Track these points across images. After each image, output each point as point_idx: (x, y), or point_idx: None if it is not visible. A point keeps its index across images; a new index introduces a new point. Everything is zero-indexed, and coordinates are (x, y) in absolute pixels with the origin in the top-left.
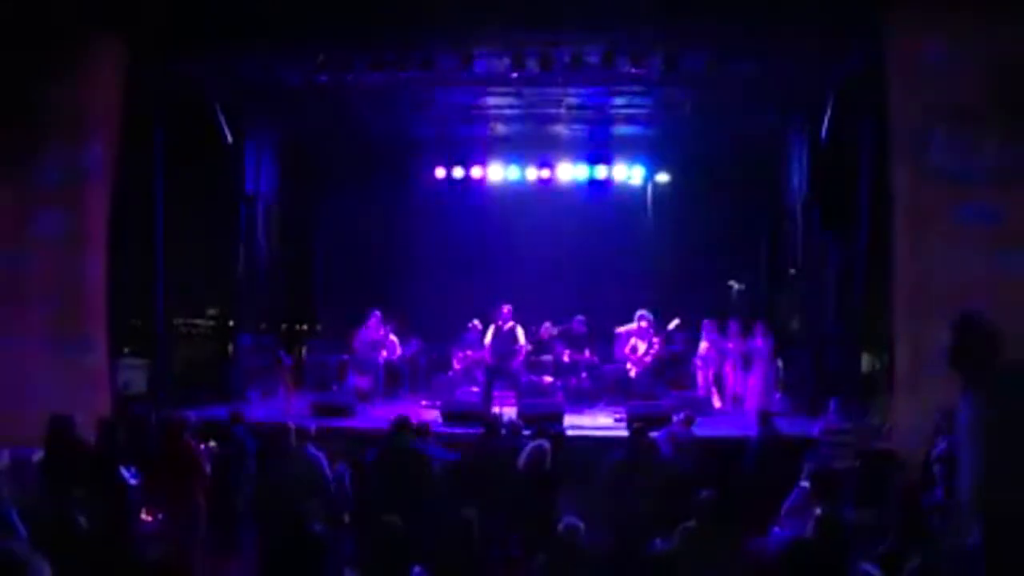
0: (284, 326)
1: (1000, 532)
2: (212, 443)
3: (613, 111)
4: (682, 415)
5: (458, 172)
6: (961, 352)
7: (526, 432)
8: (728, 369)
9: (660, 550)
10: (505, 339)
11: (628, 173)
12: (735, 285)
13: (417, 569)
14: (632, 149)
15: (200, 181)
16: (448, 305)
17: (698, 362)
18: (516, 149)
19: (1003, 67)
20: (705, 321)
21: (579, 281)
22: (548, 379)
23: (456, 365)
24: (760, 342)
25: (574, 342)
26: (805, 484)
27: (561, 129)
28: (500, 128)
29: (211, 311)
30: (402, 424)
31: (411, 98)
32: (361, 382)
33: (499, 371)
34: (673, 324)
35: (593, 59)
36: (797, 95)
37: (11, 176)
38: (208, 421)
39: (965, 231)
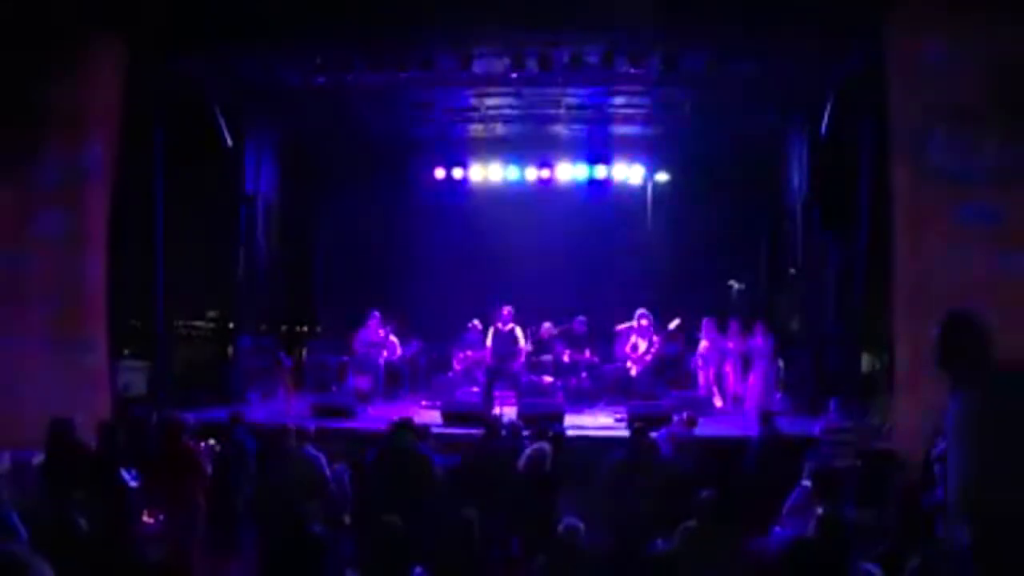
0: (284, 327)
1: (989, 533)
2: (211, 441)
3: (612, 111)
4: (684, 415)
5: (458, 172)
6: (948, 351)
7: (526, 433)
8: (728, 369)
9: (660, 550)
10: (505, 340)
11: (628, 173)
12: (735, 285)
13: (418, 570)
14: (632, 149)
15: (200, 181)
16: (448, 305)
17: (698, 361)
18: (516, 149)
19: (1003, 67)
20: (705, 320)
21: (579, 281)
22: (548, 379)
23: (456, 365)
24: (760, 341)
25: (574, 342)
26: (806, 483)
27: (561, 129)
28: (500, 128)
29: (211, 312)
30: (403, 424)
31: (411, 98)
32: (361, 383)
33: (499, 371)
34: (673, 324)
35: (593, 59)
36: (797, 95)
37: (11, 176)
38: (208, 423)
39: (965, 231)
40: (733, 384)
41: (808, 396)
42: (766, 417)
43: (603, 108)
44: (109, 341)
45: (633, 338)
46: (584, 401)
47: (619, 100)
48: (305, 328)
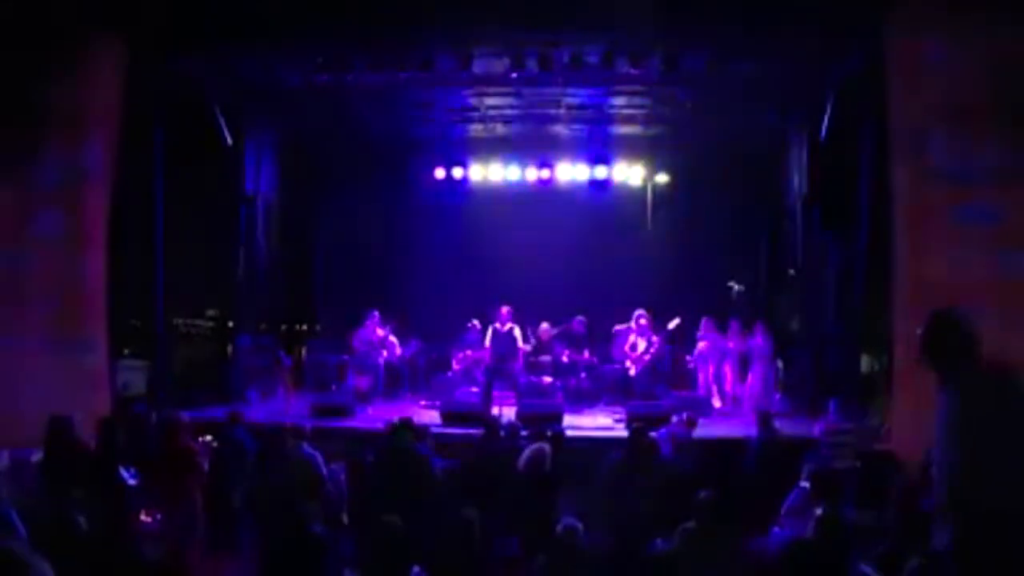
0: (284, 326)
1: (973, 529)
2: (209, 437)
3: (613, 111)
4: (684, 416)
5: (458, 172)
6: (934, 350)
7: (524, 433)
8: (728, 369)
9: (660, 550)
10: (504, 340)
11: (628, 173)
12: (735, 286)
13: (417, 569)
14: (632, 149)
15: (200, 181)
16: (448, 305)
17: (697, 360)
18: (516, 149)
19: (1003, 67)
20: (704, 320)
21: (579, 281)
22: (547, 380)
23: (456, 365)
24: (760, 341)
25: (574, 342)
26: (805, 484)
27: (561, 129)
28: (500, 128)
29: (211, 312)
30: (403, 424)
31: (411, 98)
32: (361, 382)
33: (498, 371)
34: (673, 324)
35: (593, 59)
36: (797, 95)
37: (11, 176)
38: (207, 421)
39: (965, 231)
40: (732, 384)
41: (808, 397)
42: (765, 418)
43: (603, 108)
44: (109, 340)
45: (632, 338)
46: (583, 401)
47: (619, 100)
48: (305, 327)
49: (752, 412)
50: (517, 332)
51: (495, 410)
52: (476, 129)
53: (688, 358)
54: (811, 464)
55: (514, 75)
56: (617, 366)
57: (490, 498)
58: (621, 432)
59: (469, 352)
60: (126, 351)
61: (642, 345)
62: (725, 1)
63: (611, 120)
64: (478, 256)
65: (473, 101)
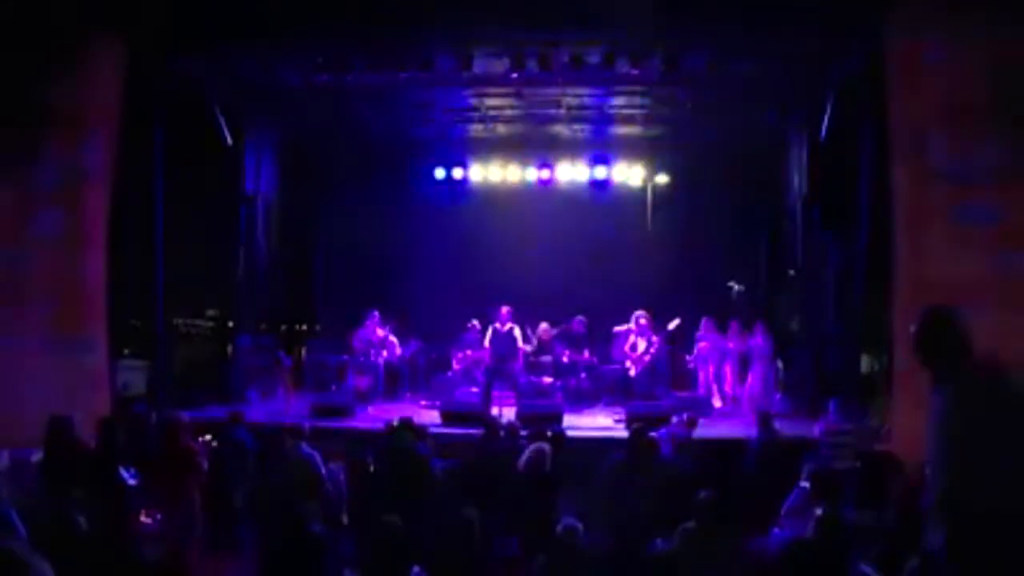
0: (284, 327)
1: (965, 529)
2: (208, 437)
3: (613, 111)
4: (684, 416)
5: (458, 172)
6: (926, 348)
7: (523, 433)
8: (728, 369)
9: (660, 551)
10: (504, 340)
11: (628, 174)
12: (735, 286)
13: (417, 569)
14: (632, 149)
15: (200, 181)
16: (448, 305)
17: (697, 362)
18: (516, 149)
19: (1003, 67)
20: (704, 320)
21: (579, 282)
22: (547, 380)
23: (456, 365)
24: (760, 341)
25: (573, 342)
26: (805, 485)
27: (561, 129)
28: (500, 128)
29: (211, 312)
30: (403, 424)
31: (411, 98)
32: (360, 382)
33: (498, 372)
34: (673, 324)
35: (593, 59)
36: (797, 95)
37: (11, 176)
38: (207, 421)
39: (965, 231)
40: (732, 385)
41: (807, 397)
42: (765, 418)
43: (603, 108)
44: (109, 340)
45: (632, 338)
46: (583, 402)
47: (619, 100)
48: (305, 327)
49: (752, 412)
50: (517, 332)
51: (495, 410)
52: (476, 129)
53: (688, 358)
54: (811, 464)
55: (514, 75)
56: (617, 366)
57: (490, 498)
58: (621, 432)
59: (469, 352)
60: (126, 351)
61: (642, 345)
62: (725, 1)
63: (611, 120)
64: (478, 256)
65: (473, 101)
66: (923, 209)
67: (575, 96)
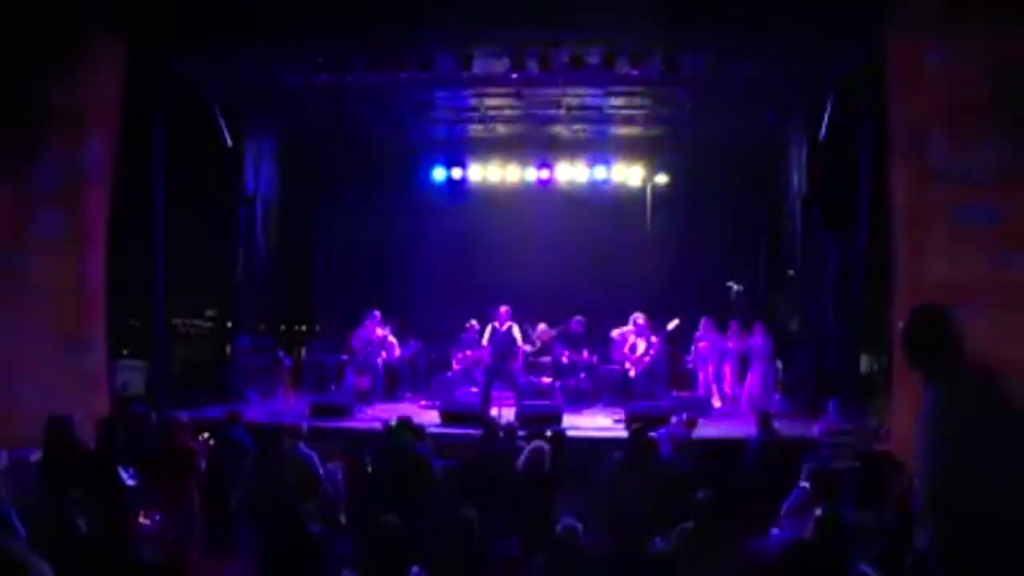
0: (283, 327)
1: (954, 531)
2: (206, 435)
3: (612, 111)
4: (684, 416)
5: (457, 173)
6: (915, 348)
7: (521, 433)
8: (727, 369)
9: (659, 551)
10: (503, 339)
11: (627, 174)
12: (734, 286)
13: (416, 570)
14: (632, 149)
15: (200, 181)
16: (447, 305)
17: (696, 362)
18: (516, 149)
19: (1003, 67)
20: (704, 320)
21: (578, 281)
22: (547, 380)
23: (455, 365)
24: (759, 341)
25: (572, 342)
26: (805, 485)
27: (560, 130)
28: (500, 128)
29: (210, 312)
30: (402, 424)
31: (411, 98)
32: (360, 382)
33: (498, 372)
34: (672, 324)
35: (593, 60)
36: (797, 95)
37: (11, 176)
38: (206, 422)
39: (965, 231)
40: (731, 385)
41: (807, 397)
42: (765, 418)
43: (603, 109)
44: (108, 340)
45: (631, 339)
46: (583, 402)
47: (619, 101)
48: (304, 328)
49: (751, 412)
50: (516, 331)
51: (494, 411)
52: (476, 129)
53: (687, 358)
54: (810, 464)
55: (514, 75)
56: (616, 367)
57: (489, 498)
58: (620, 432)
59: (468, 352)
60: (125, 351)
61: (642, 346)
62: (725, 1)
63: (611, 120)
64: (478, 256)
65: (473, 101)
66: (923, 209)
67: (575, 96)
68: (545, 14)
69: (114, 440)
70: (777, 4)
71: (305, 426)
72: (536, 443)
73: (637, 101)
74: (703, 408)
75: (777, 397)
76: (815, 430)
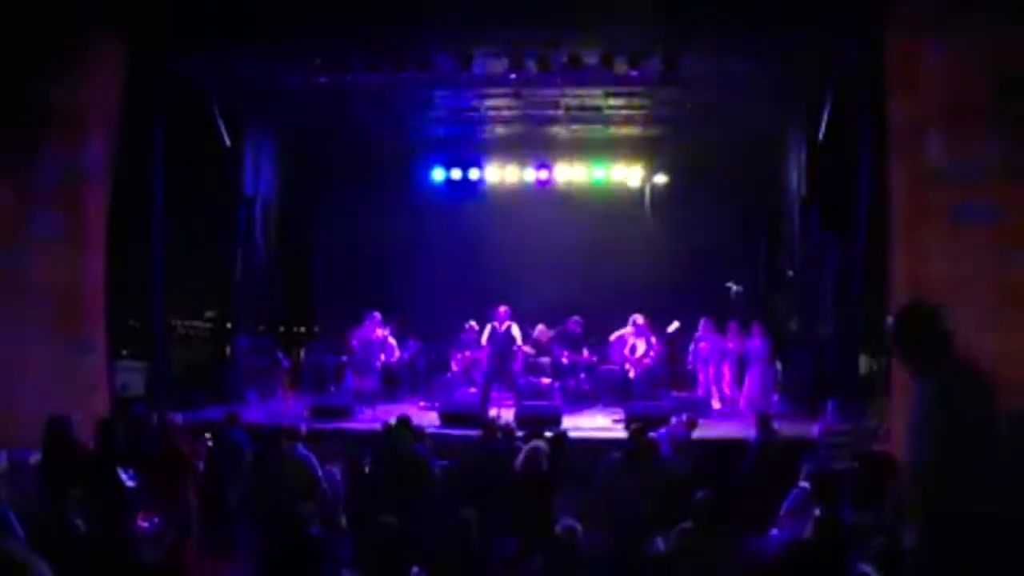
0: (282, 328)
1: (943, 529)
2: (207, 435)
3: (611, 112)
4: (683, 417)
5: (457, 173)
6: (903, 344)
7: (519, 434)
8: (726, 370)
9: (658, 551)
10: (502, 339)
11: (627, 173)
12: (733, 286)
13: (415, 570)
14: (631, 149)
15: (200, 182)
16: (447, 306)
17: (696, 363)
18: (515, 150)
19: (1003, 67)
20: (703, 320)
21: (578, 282)
22: (546, 381)
23: (454, 366)
24: (758, 342)
25: (571, 343)
26: (804, 485)
27: (559, 130)
28: (499, 129)
29: (209, 313)
30: (401, 424)
31: (411, 98)
32: (360, 383)
33: (497, 371)
34: (673, 327)
35: (592, 60)
36: (797, 95)
37: (11, 176)
38: (205, 423)
39: (964, 231)
40: (730, 385)
41: (806, 398)
42: (764, 419)
43: (602, 109)
44: (108, 341)
45: (631, 340)
46: (582, 402)
47: (618, 101)
48: (303, 328)
49: (751, 413)
50: (516, 331)
51: (493, 411)
52: (476, 129)
53: (687, 359)
54: (810, 465)
55: (513, 76)
56: (616, 367)
57: (488, 498)
58: (620, 433)
59: (468, 353)
60: (125, 352)
61: (641, 348)
62: (725, 1)
63: (610, 121)
64: (477, 256)
65: (473, 101)
66: (922, 209)
67: (574, 97)
68: (544, 14)
69: (113, 441)
70: (777, 4)
71: (304, 427)
72: (534, 443)
73: (636, 101)
74: (703, 409)
75: (776, 398)
76: (814, 431)
